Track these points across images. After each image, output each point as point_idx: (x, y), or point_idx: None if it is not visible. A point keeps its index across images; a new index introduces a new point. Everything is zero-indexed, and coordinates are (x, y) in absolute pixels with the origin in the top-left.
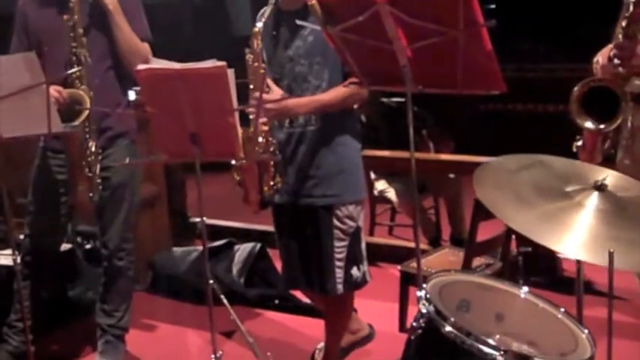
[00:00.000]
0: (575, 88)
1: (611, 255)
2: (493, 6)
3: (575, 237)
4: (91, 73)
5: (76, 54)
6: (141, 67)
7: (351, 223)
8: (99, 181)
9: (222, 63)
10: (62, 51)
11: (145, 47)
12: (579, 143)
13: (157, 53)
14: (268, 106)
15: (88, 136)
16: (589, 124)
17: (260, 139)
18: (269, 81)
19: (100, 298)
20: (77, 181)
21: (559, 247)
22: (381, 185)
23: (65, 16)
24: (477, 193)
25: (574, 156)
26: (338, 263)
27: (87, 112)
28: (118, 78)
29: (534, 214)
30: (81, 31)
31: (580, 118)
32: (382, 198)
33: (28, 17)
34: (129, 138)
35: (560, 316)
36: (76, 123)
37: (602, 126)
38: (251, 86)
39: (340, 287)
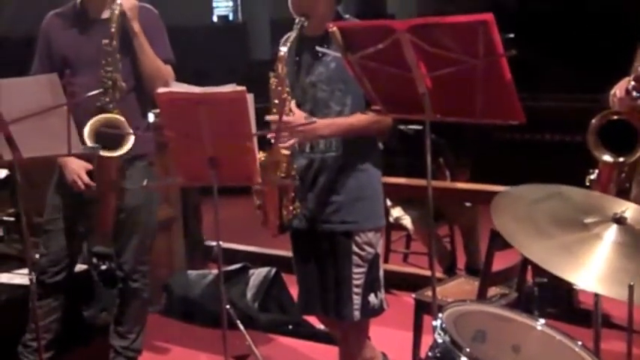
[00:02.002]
0: (593, 121)
1: (631, 288)
2: (512, 35)
3: (593, 270)
4: None
5: (111, 78)
6: (161, 90)
7: (370, 250)
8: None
9: (242, 87)
10: (91, 74)
11: (168, 69)
12: (593, 176)
13: (177, 76)
14: (292, 124)
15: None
16: (607, 157)
17: (282, 164)
18: (292, 105)
19: (114, 320)
20: (106, 202)
21: (575, 279)
22: (396, 212)
23: (105, 41)
24: (494, 221)
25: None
26: (356, 290)
27: (132, 137)
28: (138, 100)
29: (551, 245)
30: (118, 56)
31: (598, 151)
32: (398, 225)
33: (52, 39)
34: (147, 160)
35: (577, 349)
36: (125, 149)
37: (621, 159)
38: (274, 110)
39: (357, 314)
